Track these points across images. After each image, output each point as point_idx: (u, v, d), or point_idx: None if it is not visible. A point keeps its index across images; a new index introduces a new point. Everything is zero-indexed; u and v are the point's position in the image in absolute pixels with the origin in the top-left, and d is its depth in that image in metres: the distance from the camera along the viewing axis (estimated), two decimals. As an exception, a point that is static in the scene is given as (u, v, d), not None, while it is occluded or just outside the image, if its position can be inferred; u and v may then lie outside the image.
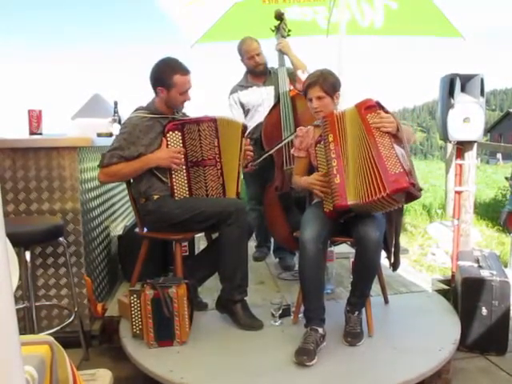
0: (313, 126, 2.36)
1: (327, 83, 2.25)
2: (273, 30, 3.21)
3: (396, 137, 2.04)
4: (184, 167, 2.37)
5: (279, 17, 3.19)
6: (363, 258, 2.07)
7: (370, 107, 2.09)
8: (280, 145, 2.93)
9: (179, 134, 2.36)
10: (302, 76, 3.09)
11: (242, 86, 3.26)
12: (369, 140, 2.03)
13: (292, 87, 3.10)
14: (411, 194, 1.99)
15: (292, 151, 2.45)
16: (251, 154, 2.56)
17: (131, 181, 2.47)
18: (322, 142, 2.17)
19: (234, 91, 3.27)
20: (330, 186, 2.08)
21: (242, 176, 2.54)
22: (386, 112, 2.08)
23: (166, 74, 2.30)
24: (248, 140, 2.56)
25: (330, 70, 2.33)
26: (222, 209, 2.25)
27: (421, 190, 2.03)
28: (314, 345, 1.94)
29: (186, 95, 2.38)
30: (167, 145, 2.34)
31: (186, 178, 2.38)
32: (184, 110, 2.54)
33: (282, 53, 3.13)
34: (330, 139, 2.11)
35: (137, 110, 2.41)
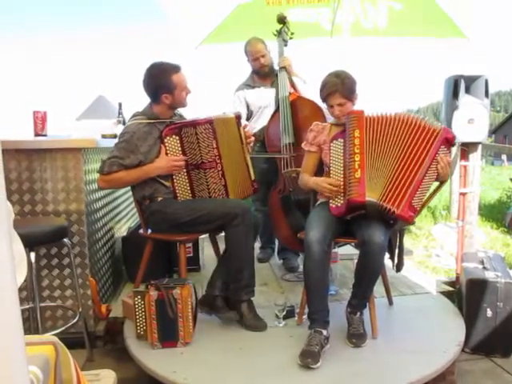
0: (329, 124, 2.37)
1: (346, 89, 2.21)
2: (275, 34, 3.19)
3: (437, 177, 2.12)
4: (185, 170, 2.37)
5: (281, 20, 3.17)
6: (367, 261, 2.06)
7: (449, 141, 2.12)
8: (274, 155, 2.98)
9: (177, 138, 2.34)
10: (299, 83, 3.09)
11: (248, 86, 3.24)
12: (424, 162, 2.06)
13: (293, 90, 3.09)
14: (405, 221, 2.13)
15: (303, 145, 2.45)
16: (253, 139, 2.59)
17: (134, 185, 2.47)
18: (339, 139, 2.18)
19: (240, 89, 3.25)
20: (348, 180, 2.08)
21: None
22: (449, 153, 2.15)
23: (164, 78, 2.30)
24: (245, 125, 2.58)
25: (345, 72, 2.28)
26: (227, 210, 2.24)
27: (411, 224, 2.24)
28: (318, 347, 1.93)
29: (187, 89, 2.39)
30: (166, 151, 2.33)
31: (187, 181, 2.38)
32: (183, 112, 2.55)
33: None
34: (356, 134, 2.11)
35: (133, 116, 2.39)
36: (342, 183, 2.12)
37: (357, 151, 2.09)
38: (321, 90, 2.29)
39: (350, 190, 2.06)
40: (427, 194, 2.12)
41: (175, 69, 2.32)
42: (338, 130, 2.24)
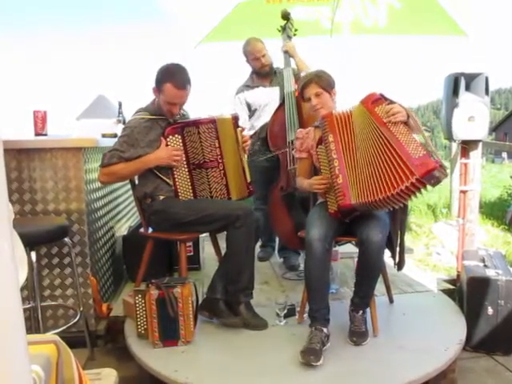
0: (313, 128, 2.36)
1: (322, 80, 2.28)
2: (279, 30, 3.20)
3: (409, 125, 1.98)
4: (186, 169, 2.37)
5: (286, 17, 3.17)
6: (366, 259, 2.07)
7: (376, 101, 2.06)
8: (285, 150, 2.96)
9: (179, 137, 2.35)
10: None
11: (248, 86, 3.25)
12: (383, 132, 1.97)
13: (297, 87, 3.10)
14: (437, 177, 1.86)
15: (293, 153, 2.46)
16: (248, 142, 2.56)
17: (136, 182, 2.47)
18: (322, 144, 2.17)
19: (239, 91, 3.26)
20: (333, 186, 2.08)
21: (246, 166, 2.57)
22: (392, 102, 2.04)
23: (161, 78, 2.30)
24: (243, 127, 2.58)
25: (322, 70, 2.36)
26: (230, 211, 2.24)
27: (446, 169, 1.90)
28: (319, 345, 1.93)
29: (174, 107, 2.34)
30: (167, 144, 2.34)
31: (189, 180, 2.38)
32: (186, 110, 2.54)
33: (287, 55, 3.12)
34: (331, 139, 2.10)
35: (137, 112, 2.42)
36: (330, 179, 2.09)
37: (334, 156, 2.08)
38: (299, 86, 2.34)
39: (337, 196, 2.06)
40: (418, 138, 1.95)
41: (176, 82, 2.27)
42: (321, 134, 2.21)
